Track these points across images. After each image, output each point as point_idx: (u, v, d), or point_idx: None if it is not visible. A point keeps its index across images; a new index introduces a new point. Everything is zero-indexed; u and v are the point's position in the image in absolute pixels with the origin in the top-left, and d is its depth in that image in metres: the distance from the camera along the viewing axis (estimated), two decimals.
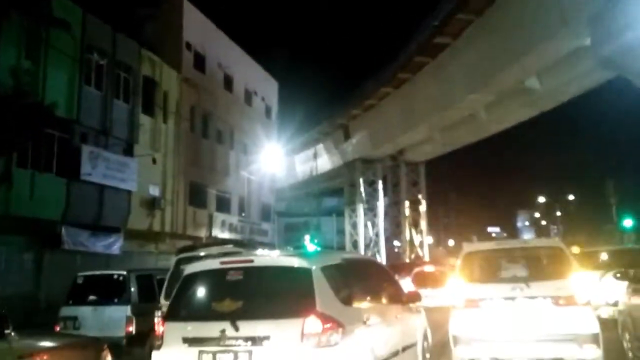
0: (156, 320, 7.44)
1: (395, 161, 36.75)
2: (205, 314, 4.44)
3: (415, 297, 6.32)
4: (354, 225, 36.43)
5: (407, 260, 33.26)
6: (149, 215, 21.57)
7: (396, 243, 38.60)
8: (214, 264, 4.73)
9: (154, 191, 22.01)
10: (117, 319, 8.53)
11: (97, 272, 10.07)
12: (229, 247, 9.13)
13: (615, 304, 8.16)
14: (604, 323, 7.12)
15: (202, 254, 8.04)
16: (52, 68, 16.33)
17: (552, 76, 21.80)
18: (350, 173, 36.67)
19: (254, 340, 4.03)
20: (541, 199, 54.48)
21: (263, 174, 31.62)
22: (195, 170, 25.21)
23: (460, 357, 6.51)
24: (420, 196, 37.61)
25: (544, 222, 62.30)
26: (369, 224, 36.13)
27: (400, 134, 30.75)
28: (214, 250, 8.49)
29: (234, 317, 4.11)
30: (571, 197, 50.50)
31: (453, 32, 23.27)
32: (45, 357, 4.77)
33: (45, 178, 16.15)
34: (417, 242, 37.00)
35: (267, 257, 5.14)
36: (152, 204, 21.59)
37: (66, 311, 9.03)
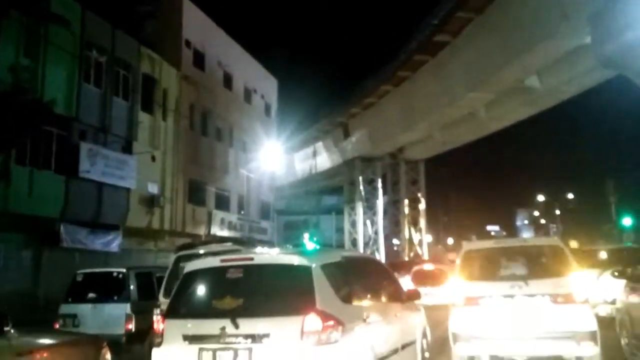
0: (155, 318, 7.48)
1: (394, 159, 36.75)
2: (205, 311, 4.45)
3: (414, 295, 6.34)
4: (353, 224, 36.43)
5: (406, 259, 33.27)
6: (148, 213, 21.55)
7: (395, 241, 38.60)
8: (214, 261, 4.75)
9: (153, 189, 21.98)
10: (116, 317, 8.55)
11: (97, 270, 10.07)
12: (228, 245, 9.12)
13: (613, 302, 8.20)
14: (602, 321, 7.17)
15: (201, 251, 8.04)
16: (51, 65, 16.29)
17: (552, 75, 21.78)
18: (350, 171, 36.65)
19: (254, 338, 4.03)
20: (540, 198, 54.51)
21: (262, 172, 31.59)
22: (195, 168, 25.18)
23: (459, 354, 6.55)
24: (419, 194, 37.63)
25: (543, 221, 62.34)
26: (368, 222, 36.13)
27: (400, 132, 30.72)
28: (213, 247, 8.48)
29: (234, 315, 4.12)
30: (570, 196, 50.52)
31: (453, 30, 23.23)
32: (44, 355, 4.77)
33: (43, 175, 16.12)
34: (416, 241, 37.04)
35: (267, 255, 5.15)
36: (151, 202, 21.57)
37: (66, 309, 9.03)
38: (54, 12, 16.08)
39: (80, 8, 17.59)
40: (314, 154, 38.78)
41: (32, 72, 15.30)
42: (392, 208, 38.23)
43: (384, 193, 37.83)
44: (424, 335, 6.44)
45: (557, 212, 52.53)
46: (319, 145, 38.93)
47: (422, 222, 37.61)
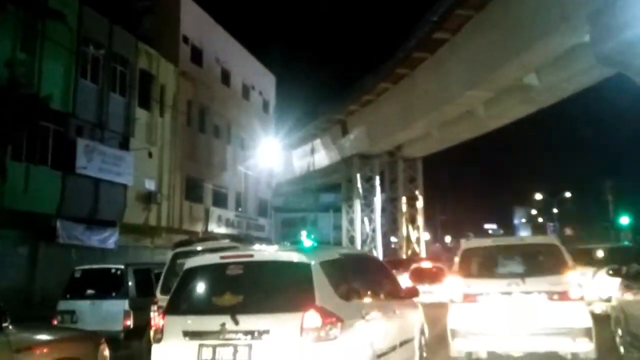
0: (152, 314, 7.45)
1: (392, 157, 36.73)
2: (205, 307, 4.48)
3: (412, 293, 6.37)
4: (351, 221, 36.42)
5: (404, 256, 33.28)
6: (145, 210, 21.47)
7: (393, 239, 38.60)
8: (214, 258, 4.75)
9: (150, 185, 21.91)
10: (114, 313, 8.55)
11: (95, 266, 10.06)
12: (225, 242, 9.09)
13: (609, 300, 8.30)
14: (597, 318, 7.28)
15: (198, 248, 8.03)
16: (47, 60, 16.19)
17: (551, 73, 21.76)
18: (348, 169, 36.61)
19: (254, 334, 4.06)
20: (538, 196, 54.53)
21: (260, 169, 31.53)
22: (192, 165, 25.11)
23: (457, 350, 6.67)
24: (417, 192, 37.61)
25: (540, 220, 62.43)
26: (366, 219, 36.11)
27: (398, 129, 30.68)
28: (210, 244, 8.44)
29: (234, 311, 4.14)
30: (568, 195, 50.59)
31: (452, 28, 23.20)
32: (42, 351, 4.76)
33: (40, 171, 16.04)
34: (413, 239, 37.04)
35: (266, 252, 5.17)
36: (148, 198, 21.50)
37: (64, 305, 9.04)
38: (51, 7, 16.00)
39: (78, 3, 17.49)
40: (312, 151, 38.73)
41: (28, 67, 15.22)
42: (390, 206, 38.21)
43: (382, 191, 37.81)
44: (422, 333, 6.45)
45: (555, 210, 52.61)
46: (317, 142, 38.88)
47: (420, 220, 37.60)
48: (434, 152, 36.41)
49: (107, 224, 18.76)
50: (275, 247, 5.80)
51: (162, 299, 7.36)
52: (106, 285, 9.07)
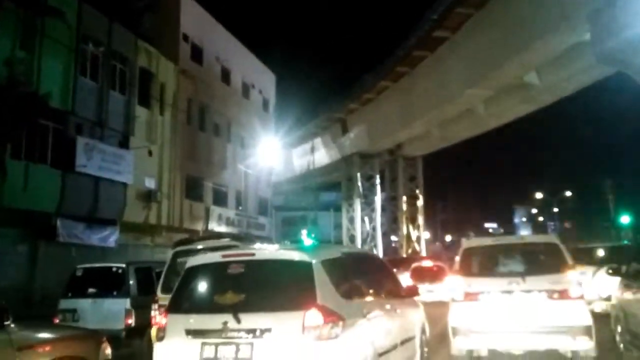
0: (153, 313, 7.44)
1: (393, 156, 36.67)
2: (207, 306, 4.50)
3: (413, 292, 6.40)
4: (351, 220, 36.38)
5: (404, 255, 33.25)
6: (145, 208, 21.45)
7: (393, 238, 38.58)
8: (216, 257, 4.77)
9: (150, 184, 21.89)
10: (116, 312, 8.57)
11: (96, 265, 10.06)
12: (226, 241, 9.08)
13: (608, 299, 8.35)
14: (598, 317, 7.34)
15: (199, 247, 8.02)
16: (47, 58, 16.16)
17: (551, 72, 21.72)
18: (348, 167, 36.56)
19: (256, 333, 4.07)
20: (539, 195, 54.52)
21: (260, 167, 31.50)
22: (192, 163, 25.08)
23: (458, 348, 6.73)
24: (417, 191, 37.58)
25: (541, 218, 62.43)
26: (366, 218, 36.07)
27: (399, 128, 30.64)
28: (211, 243, 8.43)
29: (236, 310, 4.16)
30: (568, 194, 50.59)
31: (452, 26, 23.15)
32: (44, 349, 4.76)
33: (39, 169, 16.01)
34: (414, 237, 37.00)
35: (268, 250, 5.18)
36: (148, 197, 21.47)
37: (65, 303, 9.06)
38: (50, 4, 15.94)
39: (77, 1, 17.44)
40: (312, 149, 38.68)
41: (28, 65, 15.17)
42: (390, 205, 38.17)
43: (382, 189, 37.77)
44: (423, 331, 6.46)
45: (555, 210, 52.61)
46: (317, 141, 38.83)
47: (420, 219, 37.57)
48: (434, 150, 36.37)
49: (107, 223, 18.74)
50: (276, 246, 5.80)
51: (163, 298, 7.35)
52: (107, 283, 9.09)
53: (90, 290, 9.06)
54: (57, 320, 8.76)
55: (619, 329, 7.00)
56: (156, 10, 23.64)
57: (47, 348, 4.79)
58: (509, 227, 69.28)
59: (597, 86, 23.38)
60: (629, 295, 6.64)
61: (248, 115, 31.37)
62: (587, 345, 6.15)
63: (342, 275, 4.68)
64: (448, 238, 60.55)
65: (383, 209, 37.53)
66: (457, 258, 7.24)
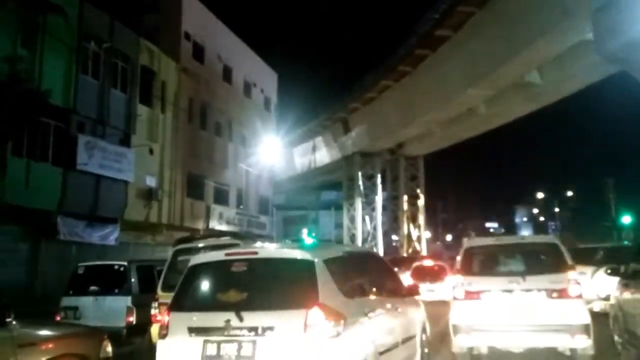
0: (153, 311, 7.44)
1: (394, 155, 36.65)
2: (210, 304, 4.53)
3: (414, 291, 6.47)
4: (352, 219, 36.37)
5: (405, 255, 33.23)
6: (145, 206, 21.45)
7: (394, 237, 38.56)
8: (219, 255, 4.80)
9: (151, 182, 21.89)
10: (117, 310, 8.59)
11: (98, 263, 10.08)
12: (226, 239, 9.09)
13: (607, 299, 8.40)
14: (596, 317, 7.50)
15: (200, 245, 8.04)
16: (48, 56, 16.14)
17: (553, 71, 21.71)
18: (349, 167, 36.54)
19: (258, 331, 4.09)
20: (540, 195, 54.47)
21: (261, 166, 31.48)
22: (193, 162, 25.07)
23: (459, 345, 6.82)
24: (418, 191, 37.56)
25: (542, 218, 62.37)
26: (367, 218, 36.06)
27: (400, 127, 30.61)
28: (211, 241, 8.44)
29: (238, 308, 4.18)
30: (570, 194, 50.53)
31: (454, 25, 23.09)
32: (45, 346, 4.76)
33: (40, 167, 16.01)
34: (414, 237, 36.98)
35: (271, 249, 5.21)
36: (149, 195, 21.48)
37: (67, 301, 9.09)
38: (52, 2, 15.92)
39: None
40: (314, 149, 38.67)
41: (29, 63, 15.14)
42: (391, 204, 38.16)
43: (383, 189, 37.76)
44: (424, 330, 6.47)
45: (557, 209, 52.56)
46: (319, 140, 38.80)
47: (421, 219, 37.56)
48: (435, 150, 36.36)
49: (108, 221, 18.73)
50: (278, 244, 5.86)
51: (163, 296, 7.36)
52: (109, 281, 9.12)
53: (92, 288, 9.09)
54: (58, 318, 8.80)
55: (617, 328, 7.06)
56: (158, 8, 23.62)
57: (49, 345, 4.80)
58: (510, 227, 69.22)
59: (599, 85, 23.38)
60: (627, 295, 6.68)
61: (249, 114, 31.35)
62: (585, 343, 6.26)
63: (344, 274, 4.70)
64: (449, 237, 60.49)
65: (384, 208, 37.52)
66: (459, 257, 7.33)
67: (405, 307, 5.87)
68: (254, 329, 4.09)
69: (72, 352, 5.00)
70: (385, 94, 30.73)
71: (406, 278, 15.26)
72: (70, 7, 16.82)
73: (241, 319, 4.13)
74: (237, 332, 4.12)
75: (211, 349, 4.17)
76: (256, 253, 4.74)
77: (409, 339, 5.71)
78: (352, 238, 35.67)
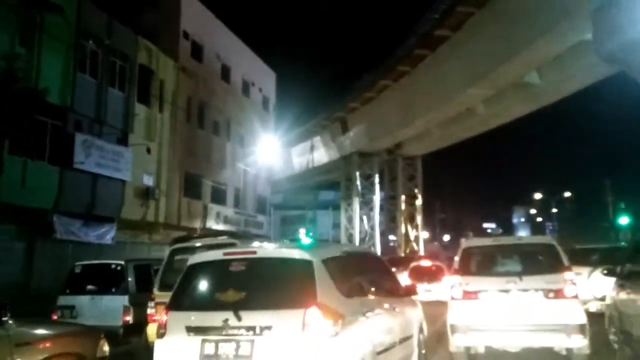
0: (149, 311, 7.41)
1: (392, 155, 36.60)
2: (208, 303, 4.53)
3: (411, 291, 6.48)
4: (350, 219, 36.34)
5: (403, 255, 33.21)
6: (142, 206, 21.39)
7: (392, 237, 38.53)
8: (217, 255, 4.81)
9: (148, 181, 21.83)
10: (114, 309, 8.59)
11: (95, 262, 10.04)
12: (224, 239, 9.06)
13: (603, 299, 8.48)
14: (593, 317, 7.65)
15: (197, 244, 8.02)
16: (46, 54, 16.11)
17: (552, 71, 21.68)
18: (347, 166, 36.50)
19: (256, 330, 4.10)
20: (538, 196, 54.47)
21: (259, 166, 31.43)
22: (191, 161, 25.01)
23: (457, 344, 6.89)
24: (416, 191, 37.51)
25: (539, 219, 62.40)
26: (365, 217, 36.03)
27: (398, 127, 30.55)
28: (209, 241, 8.41)
29: (236, 307, 4.19)
30: (567, 194, 50.55)
31: (453, 25, 23.05)
32: (42, 345, 4.75)
33: (37, 166, 15.94)
34: (412, 237, 36.96)
35: (269, 249, 5.23)
36: (146, 194, 21.42)
37: (64, 300, 9.09)
38: (50, 0, 15.85)
39: None
40: (312, 148, 38.62)
41: (27, 61, 15.09)
42: (389, 204, 38.12)
43: (381, 189, 37.71)
44: (421, 330, 6.51)
45: (554, 210, 52.59)
46: (317, 139, 38.76)
47: (419, 219, 37.51)
48: (433, 150, 36.32)
49: (105, 220, 18.68)
50: (276, 244, 5.90)
51: (160, 295, 7.33)
52: (106, 280, 9.10)
53: (89, 287, 9.08)
54: (55, 317, 8.78)
55: (613, 328, 7.13)
56: (156, 7, 23.56)
57: (45, 344, 4.79)
58: (508, 228, 69.31)
59: (597, 86, 23.37)
60: (623, 295, 6.74)
61: (248, 114, 31.29)
62: (581, 343, 6.34)
63: (342, 274, 4.71)
64: (446, 238, 60.52)
65: (382, 208, 37.48)
66: (457, 258, 7.38)
67: (403, 307, 5.88)
68: (252, 329, 4.10)
69: (68, 351, 4.99)
70: (384, 93, 30.69)
71: (403, 278, 15.23)
72: (68, 5, 16.77)
73: (239, 319, 4.13)
74: (235, 331, 4.13)
75: (209, 348, 4.17)
76: (255, 253, 4.75)
77: (406, 338, 5.74)
78: (350, 238, 35.63)
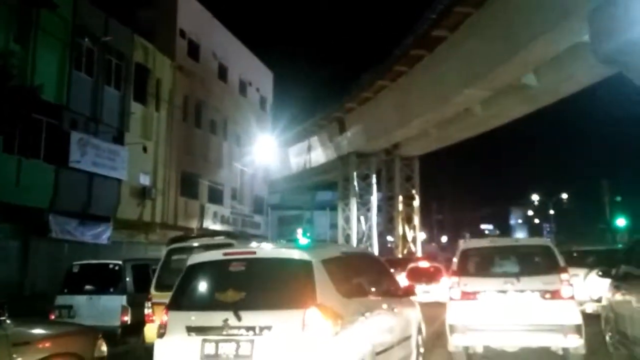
0: (146, 311, 7.36)
1: (389, 155, 36.60)
2: (208, 303, 4.57)
3: (410, 291, 6.58)
4: (347, 220, 36.30)
5: (400, 256, 33.17)
6: (139, 205, 21.28)
7: (389, 238, 38.50)
8: (217, 255, 4.84)
9: (145, 180, 21.71)
10: (112, 309, 8.62)
11: (93, 261, 10.06)
12: (221, 239, 9.05)
13: (599, 300, 8.59)
14: (589, 318, 7.84)
15: (194, 244, 8.02)
16: (41, 52, 15.97)
17: (549, 73, 21.68)
18: (345, 167, 36.47)
19: (256, 330, 4.13)
20: (535, 197, 54.50)
21: (256, 165, 31.35)
22: (188, 161, 24.91)
23: (455, 344, 7.00)
24: (414, 191, 37.50)
25: (537, 220, 62.45)
26: (362, 218, 36.01)
27: (396, 128, 30.55)
28: (206, 241, 8.41)
29: (236, 307, 4.21)
30: (565, 196, 50.60)
31: (451, 25, 23.04)
32: (40, 345, 4.76)
33: (32, 164, 15.81)
34: (409, 238, 36.93)
35: (269, 249, 5.25)
36: (142, 194, 21.30)
37: (61, 300, 9.11)
38: None
39: None
40: (309, 148, 38.56)
41: (22, 59, 14.96)
42: (386, 205, 38.09)
43: (379, 189, 37.71)
44: (420, 331, 6.56)
45: (552, 211, 52.64)
46: (314, 139, 38.71)
47: (416, 219, 37.49)
48: (431, 151, 36.33)
49: (101, 219, 18.55)
50: (275, 244, 5.94)
51: (157, 296, 7.29)
52: (104, 280, 9.12)
53: (87, 286, 9.09)
54: (53, 317, 8.79)
55: (609, 329, 7.23)
56: (153, 5, 23.46)
57: (43, 344, 4.79)
58: (505, 229, 69.36)
59: (595, 87, 23.38)
60: (618, 296, 6.84)
61: (245, 113, 31.20)
62: (577, 342, 6.48)
63: (342, 274, 4.74)
64: (444, 239, 60.52)
65: (379, 208, 37.46)
66: (455, 259, 7.48)
67: (401, 308, 5.92)
68: (252, 329, 4.12)
69: (66, 351, 4.98)
70: (381, 94, 30.68)
71: (401, 279, 15.17)
72: (64, 3, 16.65)
73: (239, 319, 4.15)
74: (235, 331, 4.15)
75: (209, 348, 4.20)
76: (254, 253, 4.80)
77: (405, 339, 5.78)
78: (347, 238, 35.59)
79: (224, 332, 4.17)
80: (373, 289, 5.53)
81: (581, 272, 10.85)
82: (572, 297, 6.69)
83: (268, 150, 31.24)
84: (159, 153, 22.64)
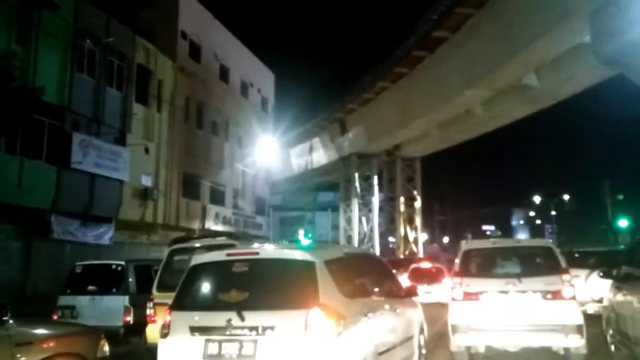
0: (148, 311, 7.37)
1: (391, 156, 36.60)
2: (211, 304, 4.58)
3: (412, 292, 6.57)
4: (349, 220, 36.29)
5: (402, 256, 33.14)
6: (141, 206, 21.31)
7: (391, 239, 38.47)
8: (220, 255, 4.86)
9: (147, 181, 21.74)
10: (115, 309, 8.64)
11: (96, 262, 10.12)
12: (222, 239, 9.04)
13: (600, 301, 8.62)
14: (590, 318, 7.87)
15: (196, 245, 8.02)
16: (43, 53, 16.04)
17: (550, 73, 21.66)
18: (346, 168, 36.47)
19: (259, 330, 4.14)
20: (537, 198, 54.38)
21: (258, 166, 31.36)
22: (189, 162, 24.94)
23: (458, 344, 7.04)
24: (415, 192, 37.48)
25: (538, 221, 62.33)
26: (364, 219, 35.99)
27: (397, 129, 30.55)
28: (207, 242, 8.40)
29: (239, 308, 4.23)
30: (567, 197, 50.48)
31: (452, 26, 23.03)
32: (42, 345, 4.75)
33: (34, 165, 15.85)
34: (411, 239, 36.91)
35: (272, 250, 5.28)
36: (144, 195, 21.33)
37: (64, 300, 9.14)
38: None
39: None
40: (310, 149, 38.57)
41: (23, 60, 14.99)
42: (388, 205, 38.09)
43: (380, 190, 37.70)
44: (422, 331, 6.56)
45: (553, 212, 52.53)
46: (316, 140, 38.72)
47: (418, 220, 37.46)
48: (432, 152, 36.31)
49: (103, 220, 18.59)
50: (277, 245, 5.86)
51: (158, 296, 7.30)
52: (107, 281, 9.15)
53: (90, 287, 9.12)
54: (55, 317, 8.81)
55: (610, 329, 7.25)
56: (154, 6, 23.50)
57: (45, 344, 4.79)
58: (507, 230, 69.23)
59: (596, 88, 23.32)
60: (619, 297, 6.86)
61: (246, 114, 31.23)
62: (578, 342, 6.52)
63: (344, 275, 4.74)
64: (446, 240, 60.47)
65: (381, 209, 37.45)
66: (457, 260, 7.51)
67: (403, 309, 5.92)
68: (255, 329, 4.13)
69: (69, 352, 4.98)
70: (382, 95, 30.68)
71: (403, 280, 15.17)
72: (66, 4, 16.70)
73: (242, 319, 4.16)
74: (239, 331, 4.17)
75: (213, 348, 4.21)
76: (257, 253, 4.83)
77: (407, 339, 5.78)
78: (349, 239, 35.58)
79: (227, 332, 4.18)
80: (375, 290, 5.54)
81: (583, 273, 10.89)
82: (573, 298, 6.72)
83: (269, 151, 31.26)
84: (161, 154, 22.68)
